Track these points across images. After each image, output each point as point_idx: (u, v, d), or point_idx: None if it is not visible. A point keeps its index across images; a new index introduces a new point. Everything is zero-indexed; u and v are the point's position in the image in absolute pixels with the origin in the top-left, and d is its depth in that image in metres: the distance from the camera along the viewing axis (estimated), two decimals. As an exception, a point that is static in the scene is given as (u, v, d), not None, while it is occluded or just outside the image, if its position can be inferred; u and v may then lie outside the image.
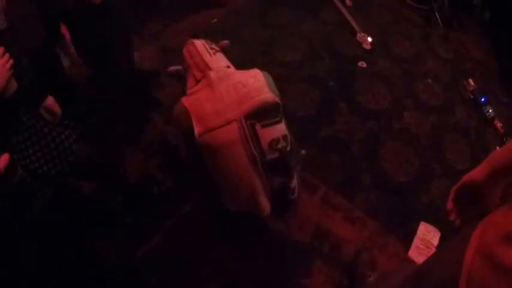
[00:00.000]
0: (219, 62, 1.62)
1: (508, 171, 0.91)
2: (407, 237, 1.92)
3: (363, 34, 2.79)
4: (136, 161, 2.03)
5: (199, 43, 1.67)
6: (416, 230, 1.94)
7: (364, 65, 2.62)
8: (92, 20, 1.67)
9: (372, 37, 2.78)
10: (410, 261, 1.82)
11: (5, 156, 0.99)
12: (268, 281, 1.69)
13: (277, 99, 1.55)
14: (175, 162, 2.01)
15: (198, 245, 1.76)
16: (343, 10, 2.96)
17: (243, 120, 1.45)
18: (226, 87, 1.50)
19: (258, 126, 1.47)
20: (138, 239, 1.75)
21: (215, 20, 2.77)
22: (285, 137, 1.54)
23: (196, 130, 1.45)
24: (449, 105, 2.57)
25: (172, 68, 2.04)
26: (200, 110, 1.47)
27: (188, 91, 1.61)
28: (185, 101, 1.53)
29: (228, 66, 1.64)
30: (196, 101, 1.50)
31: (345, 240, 1.84)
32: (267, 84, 1.56)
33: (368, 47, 2.73)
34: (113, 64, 2.02)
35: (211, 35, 2.66)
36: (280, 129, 1.54)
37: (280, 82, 2.41)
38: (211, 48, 1.66)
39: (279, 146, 1.50)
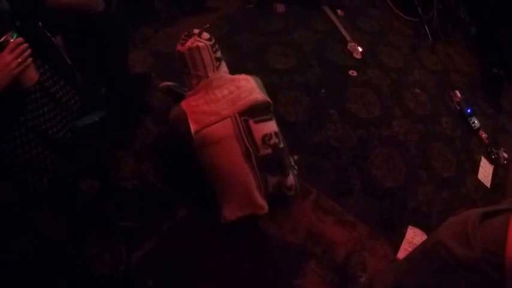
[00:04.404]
0: (219, 72, 1.69)
1: None
2: (396, 240, 1.96)
3: (354, 44, 2.85)
4: (129, 165, 2.02)
5: (206, 53, 1.63)
6: (404, 233, 1.98)
7: (355, 74, 2.67)
8: (91, 30, 1.67)
9: (362, 47, 2.85)
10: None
11: None
12: (263, 282, 1.71)
13: (268, 99, 1.70)
14: (169, 166, 2.00)
15: (193, 248, 1.77)
16: (335, 20, 3.03)
17: (237, 116, 1.58)
18: (221, 90, 1.63)
19: (251, 122, 1.59)
20: (133, 243, 1.75)
21: (207, 25, 2.80)
22: (276, 134, 1.66)
23: (193, 128, 1.55)
24: (436, 115, 2.63)
25: (164, 84, 2.09)
26: (196, 110, 1.60)
27: (187, 94, 1.70)
28: (183, 104, 1.64)
29: (226, 73, 1.74)
30: (193, 103, 1.63)
31: (336, 242, 1.87)
32: (257, 87, 1.71)
33: (358, 56, 2.79)
34: (108, 71, 1.99)
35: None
36: (272, 126, 1.67)
37: (271, 89, 2.45)
38: (217, 60, 1.67)
39: (272, 141, 1.61)
